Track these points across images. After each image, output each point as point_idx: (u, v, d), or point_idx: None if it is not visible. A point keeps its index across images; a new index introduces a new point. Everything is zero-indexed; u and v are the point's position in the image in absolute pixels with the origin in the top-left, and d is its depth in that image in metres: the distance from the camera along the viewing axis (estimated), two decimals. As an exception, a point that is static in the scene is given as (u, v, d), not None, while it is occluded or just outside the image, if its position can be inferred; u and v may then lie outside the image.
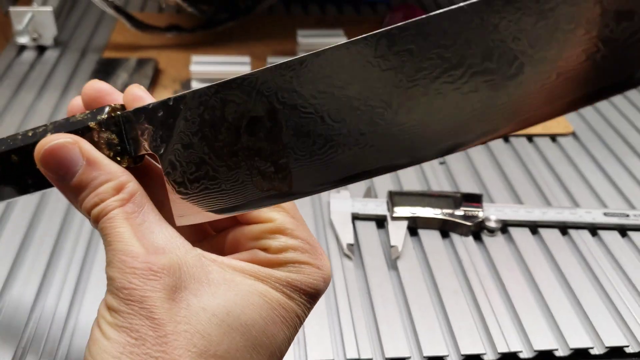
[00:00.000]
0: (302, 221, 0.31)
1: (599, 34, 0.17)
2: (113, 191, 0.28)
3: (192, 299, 0.27)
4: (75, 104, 0.33)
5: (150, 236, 0.28)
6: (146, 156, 0.33)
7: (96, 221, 0.29)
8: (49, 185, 0.32)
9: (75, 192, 0.29)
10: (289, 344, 0.30)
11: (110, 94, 0.32)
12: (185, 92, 0.29)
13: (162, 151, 0.29)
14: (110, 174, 0.29)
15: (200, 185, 0.29)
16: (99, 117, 0.30)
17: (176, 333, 0.26)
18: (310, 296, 0.30)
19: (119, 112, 0.31)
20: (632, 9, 0.17)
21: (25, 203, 0.58)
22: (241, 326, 0.27)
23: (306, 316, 0.30)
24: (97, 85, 0.32)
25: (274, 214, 0.30)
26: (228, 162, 0.28)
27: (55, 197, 0.59)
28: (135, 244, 0.27)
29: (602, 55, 0.17)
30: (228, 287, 0.28)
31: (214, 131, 0.28)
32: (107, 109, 0.31)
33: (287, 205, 0.31)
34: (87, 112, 0.31)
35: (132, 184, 0.29)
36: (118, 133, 0.30)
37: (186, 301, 0.27)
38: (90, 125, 0.30)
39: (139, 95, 0.31)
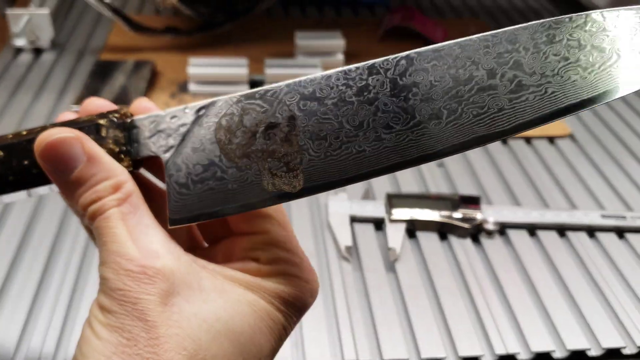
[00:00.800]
0: (293, 234, 0.31)
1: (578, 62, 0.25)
2: (111, 189, 0.29)
3: (184, 304, 0.27)
4: (66, 118, 0.33)
5: (144, 239, 0.28)
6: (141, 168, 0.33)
7: (92, 219, 0.29)
8: (26, 187, 0.32)
9: (73, 187, 0.29)
10: (274, 355, 0.30)
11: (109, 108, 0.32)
12: (205, 101, 0.30)
13: (169, 154, 0.30)
14: (109, 172, 0.29)
15: (204, 185, 0.29)
16: (110, 116, 0.31)
17: (168, 336, 0.26)
18: (297, 309, 0.30)
19: (128, 119, 0.31)
20: (604, 46, 0.24)
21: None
22: (230, 333, 0.28)
23: (291, 329, 0.31)
24: (99, 102, 0.33)
25: (267, 226, 0.30)
26: (239, 163, 0.29)
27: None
28: (130, 246, 0.27)
29: (580, 76, 0.25)
30: (218, 294, 0.28)
31: (229, 135, 0.29)
32: (119, 111, 0.31)
33: (280, 217, 0.31)
34: (98, 114, 0.32)
35: (129, 184, 0.29)
36: (125, 136, 0.31)
37: (178, 306, 0.27)
38: (100, 122, 0.31)
39: (148, 107, 0.32)
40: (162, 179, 0.32)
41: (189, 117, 0.30)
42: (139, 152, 0.31)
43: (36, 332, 0.47)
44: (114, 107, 0.33)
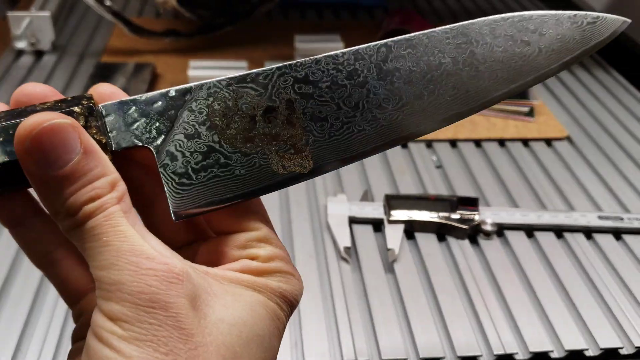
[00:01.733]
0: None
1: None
2: (109, 186, 0.25)
3: (207, 309, 0.25)
4: None
5: (146, 239, 0.25)
6: None
7: (87, 218, 0.25)
8: None
9: (62, 183, 0.25)
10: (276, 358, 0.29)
11: (54, 97, 0.28)
12: (190, 84, 0.29)
13: (158, 143, 0.28)
14: (106, 168, 0.26)
15: (208, 173, 0.28)
16: (84, 102, 0.27)
17: (205, 344, 0.24)
18: (292, 307, 0.29)
19: (100, 105, 0.28)
20: (529, 40, 0.30)
21: None
22: (256, 337, 0.26)
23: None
24: (37, 89, 0.27)
25: (258, 222, 0.29)
26: (243, 148, 0.29)
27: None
28: (144, 243, 0.24)
29: (521, 63, 0.30)
30: (233, 298, 0.26)
31: (226, 120, 0.29)
32: (87, 97, 0.28)
33: (265, 214, 0.30)
34: (57, 100, 0.27)
35: (122, 182, 0.26)
36: (102, 124, 0.27)
37: (203, 311, 0.25)
38: (74, 109, 0.26)
39: (114, 92, 0.29)
40: (134, 175, 0.30)
41: (175, 102, 0.28)
42: (119, 142, 0.28)
43: (34, 340, 0.47)
44: (58, 94, 0.28)
